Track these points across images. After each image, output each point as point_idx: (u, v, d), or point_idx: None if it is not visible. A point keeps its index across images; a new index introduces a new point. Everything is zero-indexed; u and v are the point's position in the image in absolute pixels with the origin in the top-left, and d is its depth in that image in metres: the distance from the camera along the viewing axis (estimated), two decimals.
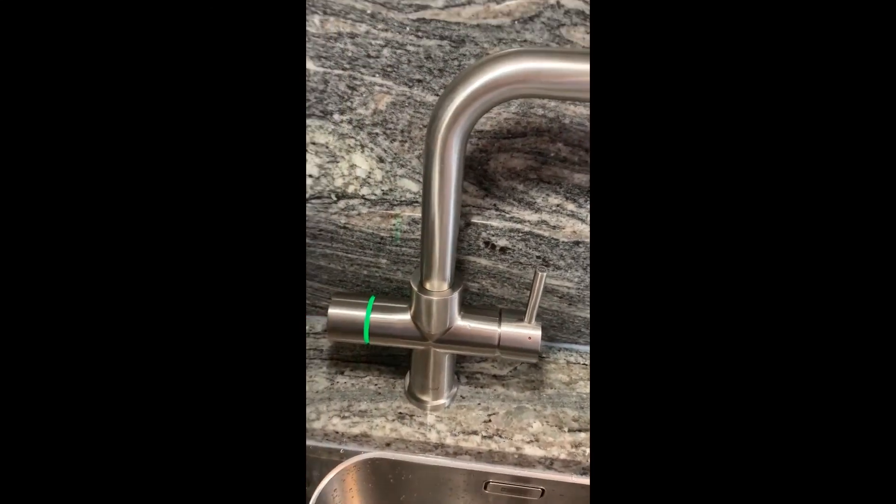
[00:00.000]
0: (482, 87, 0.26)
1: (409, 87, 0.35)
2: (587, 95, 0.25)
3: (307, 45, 0.34)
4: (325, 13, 0.33)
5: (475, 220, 0.42)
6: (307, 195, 0.42)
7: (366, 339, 0.38)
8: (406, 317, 0.38)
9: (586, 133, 0.36)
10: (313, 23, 0.33)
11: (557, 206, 0.40)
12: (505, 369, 0.47)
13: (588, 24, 0.31)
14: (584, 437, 0.42)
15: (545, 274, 0.36)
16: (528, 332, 0.37)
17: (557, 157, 0.38)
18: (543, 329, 0.49)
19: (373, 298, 0.39)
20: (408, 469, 0.42)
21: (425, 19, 0.33)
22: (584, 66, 0.25)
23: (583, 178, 0.38)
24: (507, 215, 0.41)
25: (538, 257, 0.44)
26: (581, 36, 0.32)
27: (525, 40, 0.32)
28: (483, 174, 0.39)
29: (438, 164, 0.30)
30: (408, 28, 0.33)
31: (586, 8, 0.31)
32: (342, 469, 0.42)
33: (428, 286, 0.36)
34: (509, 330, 0.37)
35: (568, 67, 0.25)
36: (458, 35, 0.33)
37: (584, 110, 0.35)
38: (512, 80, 0.25)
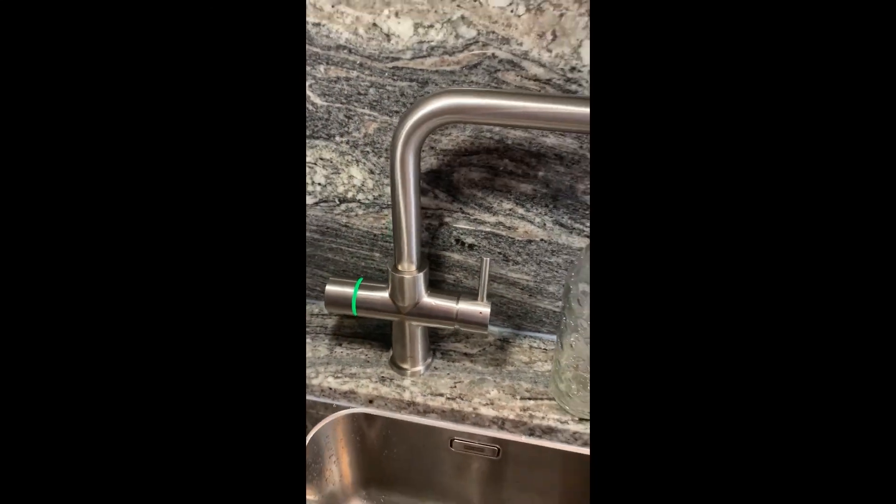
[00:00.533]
0: (422, 116, 0.36)
1: (390, 116, 0.46)
2: (497, 121, 0.35)
3: (316, 85, 0.46)
4: (327, 63, 0.45)
5: (447, 220, 0.51)
6: (317, 200, 0.53)
7: (353, 311, 0.48)
8: (385, 294, 0.48)
9: (525, 151, 0.45)
10: (319, 70, 0.45)
11: (510, 210, 0.49)
12: (475, 349, 0.56)
13: (517, 69, 0.41)
14: (533, 403, 0.49)
15: (489, 259, 0.45)
16: (479, 308, 0.46)
17: (505, 171, 0.47)
18: (509, 318, 0.57)
19: (360, 280, 0.49)
20: (387, 424, 0.51)
21: (398, 67, 0.43)
22: (492, 101, 0.35)
23: (527, 188, 0.47)
24: (472, 217, 0.50)
25: (499, 253, 0.52)
26: (512, 77, 0.42)
27: (472, 81, 0.42)
28: (450, 184, 0.49)
29: (399, 173, 0.40)
30: (386, 73, 0.44)
31: (516, 58, 0.40)
32: (333, 419, 0.51)
33: (400, 268, 0.46)
34: (464, 307, 0.46)
35: (479, 102, 0.35)
36: (423, 78, 0.43)
37: (522, 133, 0.45)
38: (441, 111, 0.35)
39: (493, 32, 0.40)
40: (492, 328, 0.59)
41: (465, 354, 0.56)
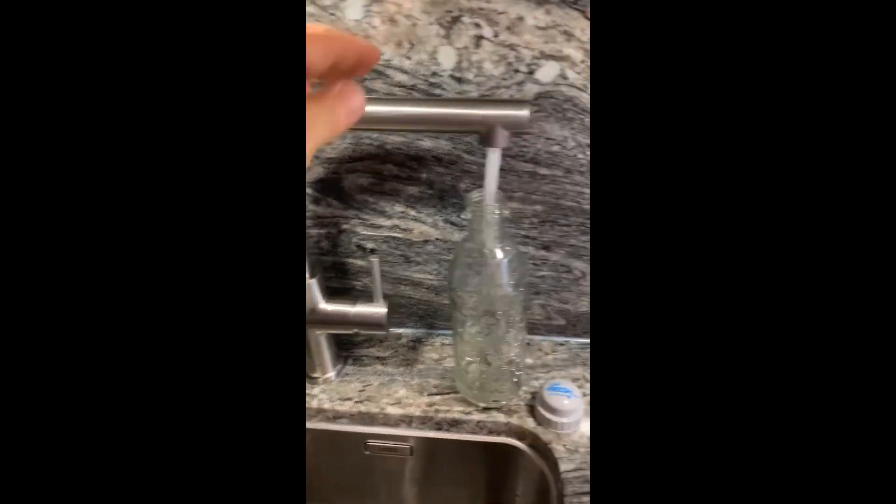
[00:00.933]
0: None
1: None
2: (398, 126, 0.37)
3: None
4: None
5: (344, 227, 0.53)
6: None
7: None
8: None
9: (405, 155, 0.47)
10: None
11: (402, 212, 0.51)
12: (387, 352, 0.57)
13: (383, 77, 0.43)
14: (439, 398, 0.50)
15: (377, 260, 0.46)
16: (375, 310, 0.47)
17: (391, 175, 0.49)
18: (421, 318, 0.58)
19: None
20: None
21: None
22: (397, 109, 0.37)
23: (414, 190, 0.49)
24: (368, 222, 0.52)
25: (400, 255, 0.54)
26: (380, 85, 0.44)
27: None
28: (341, 191, 0.50)
29: None
30: None
31: (379, 67, 0.43)
32: None
33: None
34: (361, 310, 0.48)
35: (385, 109, 0.36)
36: None
37: (399, 138, 0.47)
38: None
39: None
40: (404, 330, 0.60)
41: (377, 358, 0.56)
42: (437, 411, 0.49)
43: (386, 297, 0.53)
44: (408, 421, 0.50)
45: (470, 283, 0.42)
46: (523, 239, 0.52)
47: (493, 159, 0.36)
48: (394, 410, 0.50)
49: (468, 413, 0.49)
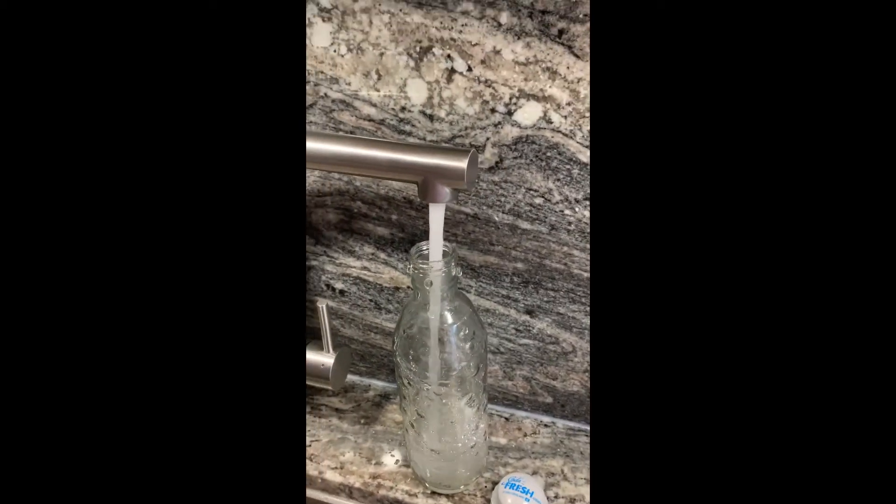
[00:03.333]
0: None
1: None
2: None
3: None
4: None
5: (313, 263, 0.49)
6: None
7: None
8: None
9: (376, 194, 0.43)
10: None
11: (372, 254, 0.46)
12: (348, 404, 0.52)
13: (350, 109, 0.39)
14: (387, 471, 0.44)
15: (325, 305, 0.42)
16: (322, 359, 0.43)
17: (360, 213, 0.45)
18: (392, 372, 0.53)
19: None
20: None
21: None
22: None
23: (384, 231, 0.45)
24: (337, 261, 0.48)
25: (370, 300, 0.49)
26: (348, 117, 0.40)
27: (311, 121, 0.41)
28: (309, 225, 0.47)
29: None
30: None
31: (347, 98, 0.39)
32: None
33: None
34: (308, 358, 0.43)
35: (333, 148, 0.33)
36: None
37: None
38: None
39: (322, 73, 0.39)
40: (375, 381, 0.55)
41: (336, 410, 0.51)
42: (379, 486, 0.43)
43: (349, 344, 0.49)
44: (347, 491, 0.44)
45: (415, 352, 0.37)
46: (503, 299, 0.45)
47: (436, 216, 0.31)
48: (333, 477, 0.44)
49: (413, 495, 0.43)
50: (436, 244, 0.32)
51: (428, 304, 0.33)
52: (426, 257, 0.33)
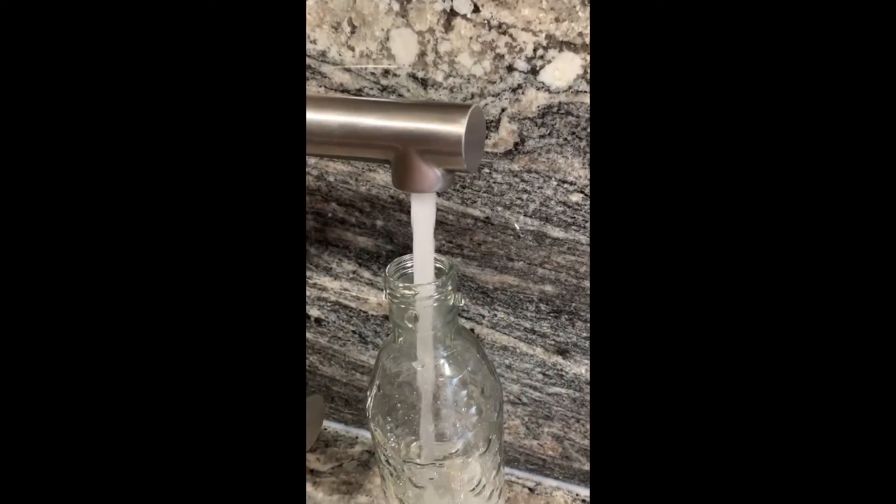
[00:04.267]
0: None
1: None
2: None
3: None
4: None
5: None
6: None
7: None
8: None
9: (356, 193, 0.33)
10: None
11: (353, 272, 0.36)
12: (328, 464, 0.41)
13: (318, 77, 0.30)
14: None
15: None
16: None
17: (335, 218, 0.34)
18: None
19: None
20: None
21: None
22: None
23: (367, 242, 0.34)
24: (311, 281, 0.38)
25: (354, 332, 0.39)
26: (315, 87, 0.30)
27: None
28: None
29: None
30: None
31: (312, 62, 0.29)
32: None
33: None
34: None
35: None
36: None
37: (343, 167, 0.32)
38: None
39: None
40: (362, 432, 0.44)
41: (312, 472, 0.41)
42: None
43: (329, 386, 0.39)
44: None
45: (395, 420, 0.25)
46: (527, 334, 0.34)
47: (422, 214, 0.21)
48: None
49: None
50: (423, 258, 0.21)
51: (414, 349, 0.23)
52: (410, 278, 0.22)
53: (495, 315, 0.34)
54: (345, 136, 0.19)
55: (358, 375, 0.41)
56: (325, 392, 0.43)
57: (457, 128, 0.18)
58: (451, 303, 0.22)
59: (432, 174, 0.19)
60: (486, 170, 0.30)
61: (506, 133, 0.28)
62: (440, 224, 0.32)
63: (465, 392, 0.23)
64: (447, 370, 0.24)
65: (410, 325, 0.22)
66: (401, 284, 0.21)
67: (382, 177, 0.32)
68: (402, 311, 0.22)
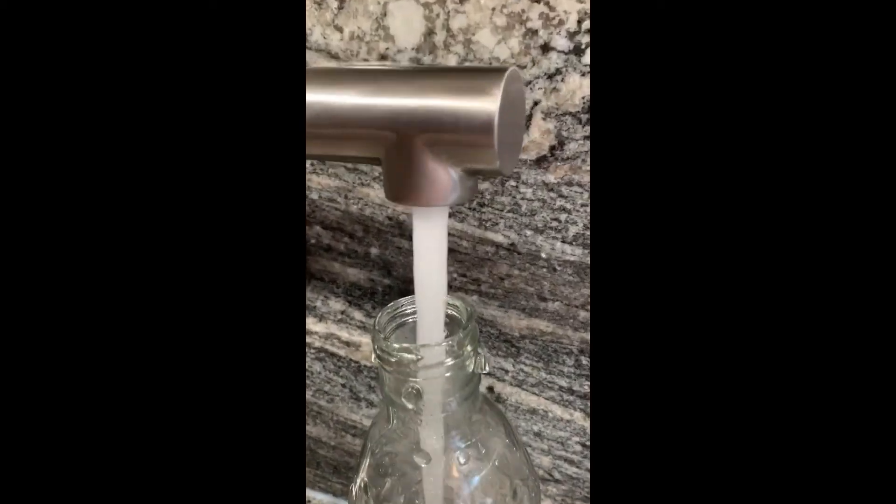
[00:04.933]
0: None
1: None
2: None
3: None
4: None
5: None
6: None
7: None
8: None
9: (344, 213, 0.27)
10: None
11: (342, 313, 0.29)
12: None
13: None
14: None
15: None
16: None
17: (320, 246, 0.28)
18: None
19: None
20: None
21: None
22: None
23: (359, 276, 0.28)
24: None
25: (344, 386, 0.32)
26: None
27: None
28: None
29: None
30: None
31: None
32: None
33: None
34: None
35: None
36: None
37: (329, 181, 0.26)
38: None
39: None
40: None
41: None
42: None
43: (315, 450, 0.31)
44: None
45: None
46: (562, 394, 0.27)
47: (427, 237, 0.14)
48: None
49: None
50: (430, 302, 0.14)
51: (415, 437, 0.16)
52: (411, 330, 0.16)
53: (521, 370, 0.27)
54: (315, 123, 0.13)
55: (349, 438, 0.34)
56: (308, 456, 0.36)
57: (486, 103, 0.11)
58: (471, 369, 0.15)
59: (445, 177, 0.12)
60: (512, 182, 0.23)
61: (539, 134, 0.22)
62: (452, 252, 0.26)
63: (490, 500, 0.16)
64: (464, 466, 0.16)
65: (410, 406, 0.15)
66: (396, 345, 0.15)
67: (378, 192, 0.26)
68: (399, 384, 0.15)
